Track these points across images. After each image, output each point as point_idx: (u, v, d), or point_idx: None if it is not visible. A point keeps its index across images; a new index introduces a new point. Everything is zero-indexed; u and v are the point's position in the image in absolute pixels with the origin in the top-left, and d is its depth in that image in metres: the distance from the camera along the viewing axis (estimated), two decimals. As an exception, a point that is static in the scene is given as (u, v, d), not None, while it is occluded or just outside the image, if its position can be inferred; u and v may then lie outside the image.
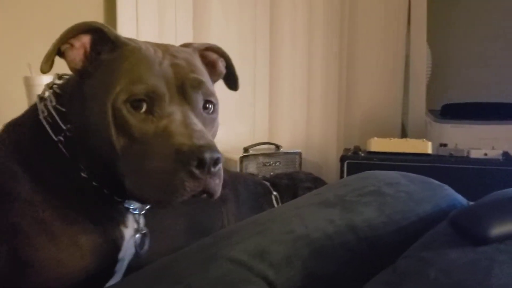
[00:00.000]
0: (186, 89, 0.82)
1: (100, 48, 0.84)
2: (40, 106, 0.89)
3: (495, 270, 0.65)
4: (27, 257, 0.80)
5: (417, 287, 0.65)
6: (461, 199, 1.00)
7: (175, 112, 0.79)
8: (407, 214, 0.89)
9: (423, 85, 2.87)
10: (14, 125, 0.91)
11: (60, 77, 0.92)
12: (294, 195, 1.57)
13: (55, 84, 0.91)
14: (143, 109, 0.78)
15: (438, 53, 3.03)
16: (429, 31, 2.83)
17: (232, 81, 1.02)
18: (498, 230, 0.71)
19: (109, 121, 0.79)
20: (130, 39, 0.86)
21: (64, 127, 0.86)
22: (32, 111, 0.91)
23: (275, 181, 1.69)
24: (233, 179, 1.57)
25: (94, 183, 0.86)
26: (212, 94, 0.87)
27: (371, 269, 0.77)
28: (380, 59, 2.77)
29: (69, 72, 0.88)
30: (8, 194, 0.82)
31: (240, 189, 1.57)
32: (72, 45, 0.83)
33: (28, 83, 1.64)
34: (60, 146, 0.86)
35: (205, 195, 0.78)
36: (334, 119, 2.69)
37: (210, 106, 0.86)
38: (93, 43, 0.84)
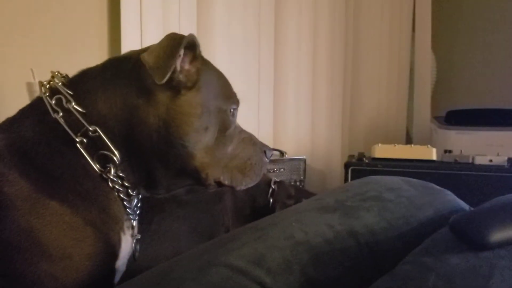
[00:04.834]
0: None
1: (186, 60, 0.91)
2: (51, 106, 0.85)
3: (496, 276, 0.65)
4: (18, 272, 0.76)
5: (416, 293, 0.64)
6: (463, 204, 0.99)
7: None
8: (408, 220, 0.89)
9: (428, 91, 2.86)
10: (8, 127, 0.86)
11: (62, 76, 0.91)
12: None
13: (60, 83, 0.89)
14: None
15: (442, 60, 3.02)
16: (433, 38, 2.83)
17: None
18: (498, 235, 0.70)
19: (209, 125, 0.93)
20: None
21: (90, 128, 0.84)
22: (33, 111, 0.88)
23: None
24: None
25: (112, 184, 0.86)
26: None
27: (371, 274, 0.76)
28: (384, 65, 2.76)
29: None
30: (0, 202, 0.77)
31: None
32: (180, 56, 0.88)
33: (31, 89, 1.64)
34: (79, 146, 0.84)
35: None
36: (339, 125, 2.68)
37: None
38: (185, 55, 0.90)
